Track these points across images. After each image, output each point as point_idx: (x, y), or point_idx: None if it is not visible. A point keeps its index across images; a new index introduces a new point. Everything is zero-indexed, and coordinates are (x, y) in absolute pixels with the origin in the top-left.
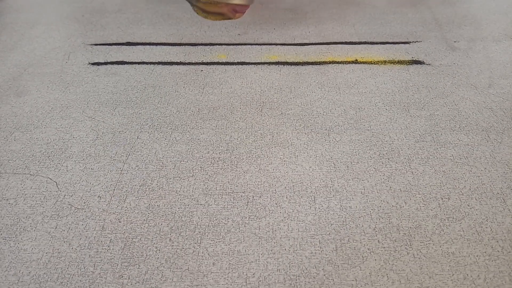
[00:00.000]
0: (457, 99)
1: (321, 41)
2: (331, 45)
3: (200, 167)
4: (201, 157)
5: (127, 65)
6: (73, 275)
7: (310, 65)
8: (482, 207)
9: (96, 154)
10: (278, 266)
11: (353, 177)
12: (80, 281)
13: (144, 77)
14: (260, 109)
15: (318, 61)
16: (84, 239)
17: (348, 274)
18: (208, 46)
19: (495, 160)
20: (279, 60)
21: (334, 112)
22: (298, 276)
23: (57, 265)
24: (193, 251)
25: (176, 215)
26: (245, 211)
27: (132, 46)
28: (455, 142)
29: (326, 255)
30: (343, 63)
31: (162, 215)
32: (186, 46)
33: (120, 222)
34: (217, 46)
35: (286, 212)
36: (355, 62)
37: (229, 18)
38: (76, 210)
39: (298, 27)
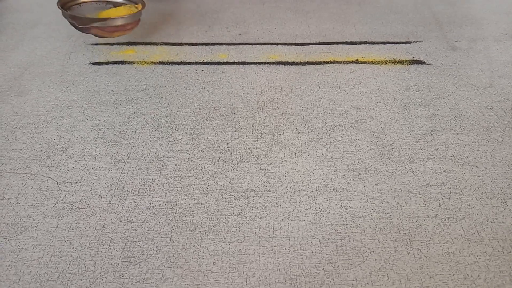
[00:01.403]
0: (458, 99)
1: (322, 41)
2: (332, 45)
3: (201, 167)
4: (201, 156)
5: (128, 64)
6: (74, 274)
7: (311, 65)
8: (483, 207)
9: (97, 153)
10: (278, 266)
11: (354, 177)
12: (81, 280)
13: (145, 76)
14: (261, 108)
15: (319, 61)
16: (84, 238)
17: (348, 274)
18: (209, 46)
19: (496, 160)
20: (280, 60)
21: (334, 112)
22: (299, 275)
23: (57, 264)
24: (194, 251)
25: (176, 214)
26: (245, 211)
27: (133, 45)
28: (456, 142)
29: (327, 254)
30: (344, 63)
31: (163, 215)
32: (187, 46)
33: (120, 221)
34: (218, 45)
35: (287, 211)
36: (356, 62)
37: (103, 37)
38: (77, 210)
39: (299, 26)
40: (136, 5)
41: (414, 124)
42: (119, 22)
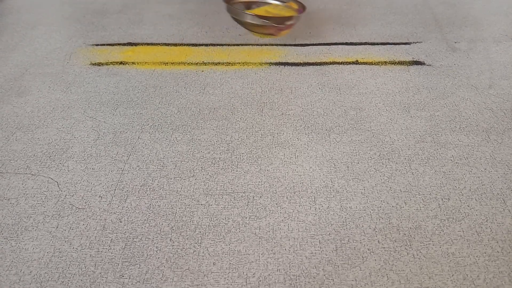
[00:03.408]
0: (458, 99)
1: (322, 42)
2: (331, 46)
3: (201, 167)
4: (201, 157)
5: (128, 65)
6: (74, 274)
7: (311, 66)
8: (482, 207)
9: (97, 154)
10: (278, 266)
11: (353, 178)
12: (81, 280)
13: (145, 77)
14: (261, 109)
15: (319, 61)
16: (85, 238)
17: (348, 274)
18: (209, 47)
19: (495, 160)
20: (280, 61)
21: (334, 113)
22: (298, 276)
23: (58, 264)
24: (194, 251)
25: (176, 215)
26: (245, 211)
27: (133, 46)
28: (455, 143)
29: (326, 255)
30: (343, 64)
31: (163, 215)
32: (187, 47)
33: (121, 222)
34: (218, 46)
35: (287, 212)
36: (356, 62)
37: (272, 36)
38: (77, 210)
39: (299, 27)
40: (286, 3)
41: (414, 125)
42: (294, 21)
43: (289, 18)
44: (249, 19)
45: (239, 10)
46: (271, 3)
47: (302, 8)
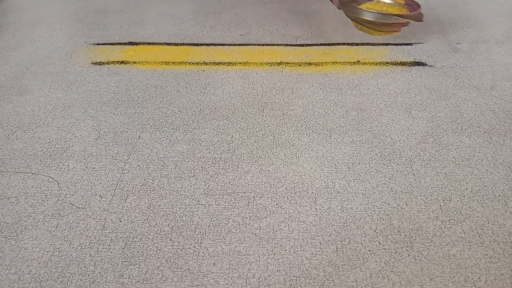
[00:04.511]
0: (459, 101)
1: (323, 42)
2: (333, 46)
3: (201, 167)
4: (202, 157)
5: (129, 64)
6: (74, 274)
7: (312, 66)
8: (484, 209)
9: (97, 153)
10: (278, 267)
11: (354, 178)
12: (81, 280)
13: (146, 77)
14: (262, 109)
15: (320, 62)
16: (84, 238)
17: (348, 276)
18: (211, 46)
19: (497, 162)
20: (281, 61)
21: (335, 113)
22: (299, 277)
23: (57, 264)
24: (194, 251)
25: (176, 215)
26: (245, 212)
27: (134, 45)
28: (457, 144)
29: (327, 256)
30: (345, 64)
31: (163, 215)
32: (189, 46)
33: (121, 221)
34: (220, 46)
35: (287, 212)
36: (357, 63)
37: (391, 33)
38: (77, 209)
39: (301, 27)
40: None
41: (415, 125)
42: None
43: (420, 13)
44: (379, 18)
45: (366, 10)
46: (371, 0)
47: (411, 2)
